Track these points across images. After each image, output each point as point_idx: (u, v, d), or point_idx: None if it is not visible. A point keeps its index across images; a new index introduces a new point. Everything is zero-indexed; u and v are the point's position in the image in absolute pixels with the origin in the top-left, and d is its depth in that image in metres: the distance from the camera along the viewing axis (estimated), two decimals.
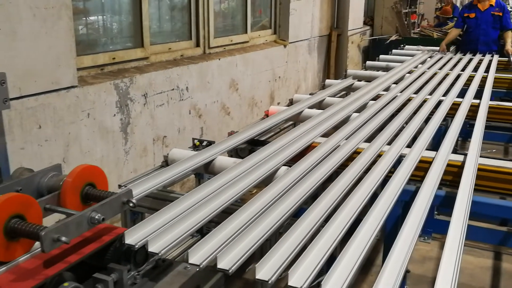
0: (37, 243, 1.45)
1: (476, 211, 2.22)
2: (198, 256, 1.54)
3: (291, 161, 2.59)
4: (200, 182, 3.06)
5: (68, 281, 1.40)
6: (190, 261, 1.51)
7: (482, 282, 3.55)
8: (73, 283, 1.38)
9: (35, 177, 1.65)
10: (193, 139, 2.95)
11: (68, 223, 1.39)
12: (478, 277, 3.59)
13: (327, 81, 4.83)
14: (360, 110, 3.61)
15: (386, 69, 5.52)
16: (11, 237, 1.38)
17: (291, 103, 4.01)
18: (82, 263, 1.49)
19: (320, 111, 3.47)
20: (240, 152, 2.89)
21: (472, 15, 6.88)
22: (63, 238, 1.34)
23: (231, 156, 2.83)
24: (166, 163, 2.61)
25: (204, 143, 2.87)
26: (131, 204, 1.61)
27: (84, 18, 3.77)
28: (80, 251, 1.48)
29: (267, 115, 3.51)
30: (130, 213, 2.26)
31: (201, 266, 1.50)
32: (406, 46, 7.27)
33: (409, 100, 3.92)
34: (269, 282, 1.38)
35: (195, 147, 2.88)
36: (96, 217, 1.47)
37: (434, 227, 3.30)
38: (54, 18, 3.03)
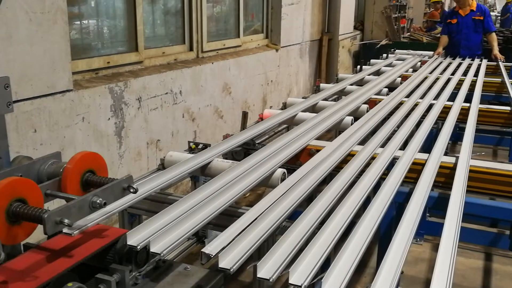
0: (39, 227, 1.45)
1: (468, 212, 2.26)
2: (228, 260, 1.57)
3: (287, 164, 2.63)
4: (196, 185, 3.09)
5: (72, 281, 1.41)
6: (220, 265, 1.53)
7: (473, 283, 3.60)
8: (77, 283, 1.39)
9: (35, 164, 1.64)
10: (189, 142, 2.96)
11: (70, 206, 1.39)
12: (469, 278, 3.64)
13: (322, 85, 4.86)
14: (352, 113, 3.65)
15: (377, 73, 5.58)
16: (13, 220, 1.37)
17: (284, 106, 4.05)
18: (85, 264, 1.50)
19: (314, 114, 3.51)
20: (235, 155, 2.91)
21: (454, 21, 7.03)
22: (66, 221, 1.34)
23: (226, 159, 2.85)
24: (163, 166, 2.63)
25: (200, 146, 2.89)
26: (132, 190, 1.61)
27: (79, 23, 3.78)
28: (83, 252, 1.49)
29: (261, 119, 3.54)
30: (128, 215, 2.27)
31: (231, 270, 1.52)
32: (397, 51, 7.35)
33: (401, 103, 3.97)
34: (271, 280, 1.41)
35: (191, 150, 2.90)
36: (98, 201, 1.46)
37: (427, 229, 3.34)
38: (50, 23, 3.05)
